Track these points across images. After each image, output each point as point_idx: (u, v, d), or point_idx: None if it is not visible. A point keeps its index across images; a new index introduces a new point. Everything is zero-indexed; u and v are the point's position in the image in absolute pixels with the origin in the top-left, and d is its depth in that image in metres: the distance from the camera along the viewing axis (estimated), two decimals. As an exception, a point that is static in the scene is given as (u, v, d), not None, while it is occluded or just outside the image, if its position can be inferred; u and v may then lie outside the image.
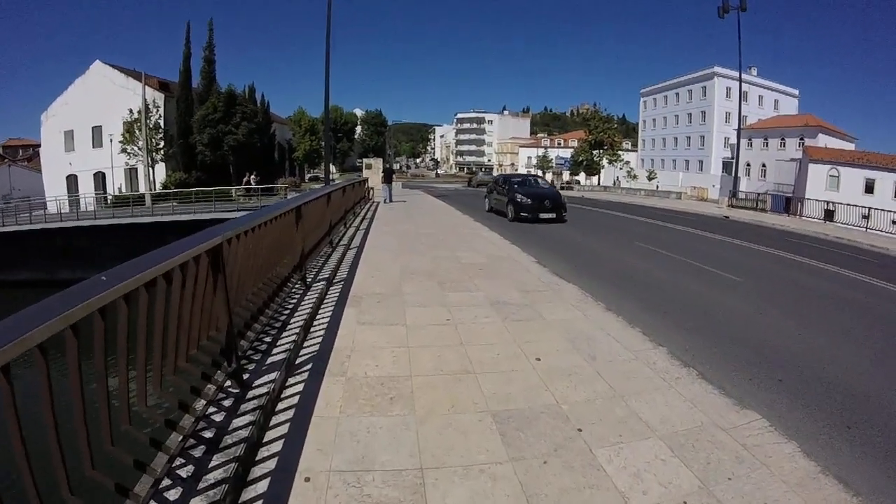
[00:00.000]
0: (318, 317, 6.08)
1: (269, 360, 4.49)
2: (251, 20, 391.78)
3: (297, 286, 6.80)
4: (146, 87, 44.66)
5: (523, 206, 19.23)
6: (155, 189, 42.87)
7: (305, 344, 5.22)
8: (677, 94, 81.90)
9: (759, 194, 38.99)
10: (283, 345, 4.82)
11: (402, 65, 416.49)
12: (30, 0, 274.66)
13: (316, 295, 6.56)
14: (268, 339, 4.94)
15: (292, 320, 5.53)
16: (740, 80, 41.38)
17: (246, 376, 4.11)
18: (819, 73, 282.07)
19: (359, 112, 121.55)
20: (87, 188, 47.06)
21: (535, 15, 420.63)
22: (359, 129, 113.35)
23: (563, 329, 5.99)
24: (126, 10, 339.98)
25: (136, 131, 42.71)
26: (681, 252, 13.48)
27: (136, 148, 42.97)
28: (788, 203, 34.39)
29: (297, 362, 4.81)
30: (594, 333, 5.91)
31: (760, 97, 74.69)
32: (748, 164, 65.90)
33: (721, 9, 37.31)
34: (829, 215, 28.23)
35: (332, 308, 6.47)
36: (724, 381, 5.00)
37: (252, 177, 41.37)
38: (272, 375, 4.17)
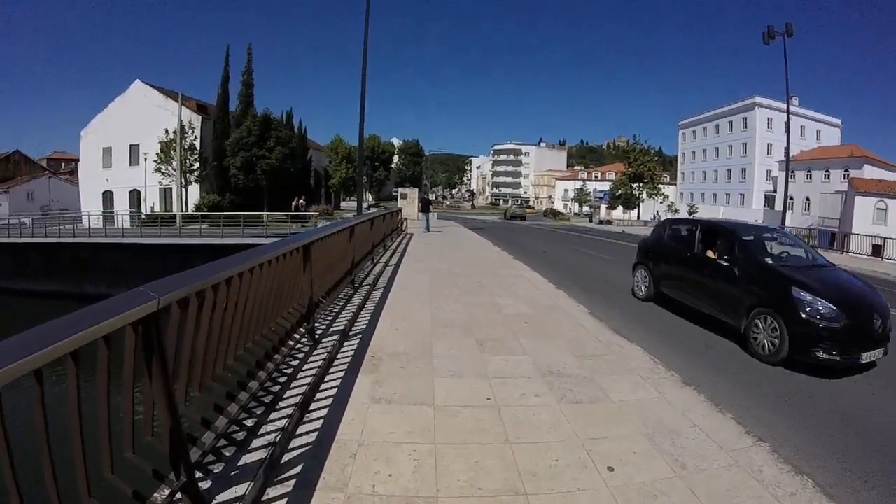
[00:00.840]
0: (322, 386, 4.79)
1: (246, 457, 3.26)
2: (292, 47, 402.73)
3: (303, 340, 5.56)
4: (184, 108, 44.88)
5: (827, 329, 6.67)
6: (187, 210, 42.68)
7: (300, 430, 3.92)
8: (717, 125, 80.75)
9: (810, 229, 36.90)
10: (269, 430, 3.60)
11: (439, 95, 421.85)
12: (82, 17, 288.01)
13: (325, 354, 5.29)
14: (250, 423, 3.68)
15: (287, 393, 4.27)
16: (788, 109, 39.14)
17: (207, 485, 2.92)
18: (861, 103, 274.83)
19: (396, 141, 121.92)
20: (121, 205, 47.72)
21: (572, 46, 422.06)
22: (396, 158, 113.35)
23: (636, 417, 4.58)
24: (172, 32, 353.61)
25: (171, 151, 42.79)
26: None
27: (170, 168, 42.97)
28: (833, 238, 32.87)
29: (283, 460, 3.50)
30: (677, 423, 4.50)
31: (802, 127, 72.77)
32: (791, 198, 63.02)
33: (766, 35, 35.71)
34: (876, 250, 26.59)
35: (342, 374, 5.17)
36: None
37: (301, 201, 40.97)
38: (242, 488, 2.91)
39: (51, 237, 31.13)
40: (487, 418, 4.36)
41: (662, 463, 3.81)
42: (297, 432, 3.88)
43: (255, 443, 3.43)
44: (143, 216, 40.95)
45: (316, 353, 5.34)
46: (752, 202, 70.55)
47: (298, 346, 5.42)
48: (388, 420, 4.24)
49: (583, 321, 7.93)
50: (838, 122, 76.31)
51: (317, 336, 5.79)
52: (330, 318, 6.73)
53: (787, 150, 39.05)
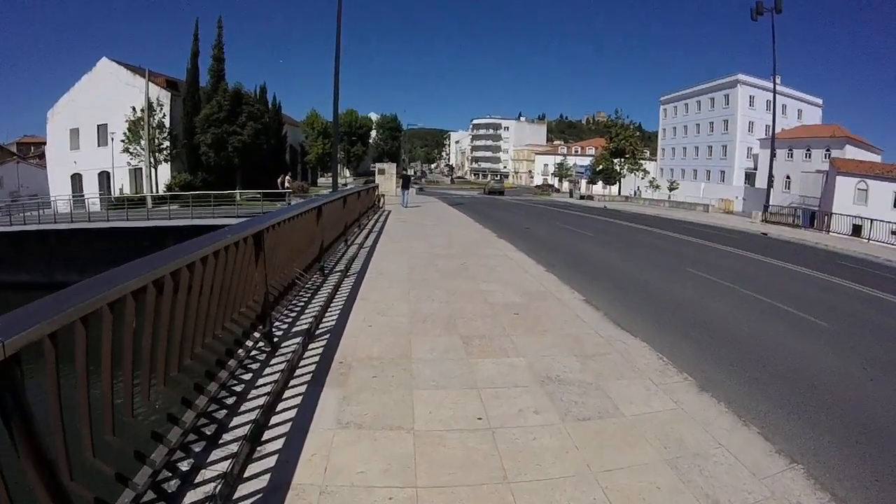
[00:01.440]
0: (279, 406, 3.95)
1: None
2: (266, 21, 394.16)
3: (260, 345, 4.72)
4: (152, 84, 43.16)
5: None
6: (157, 191, 41.25)
7: (248, 471, 3.10)
8: (699, 101, 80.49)
9: (795, 209, 36.72)
10: (208, 477, 2.80)
11: (417, 68, 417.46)
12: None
13: (284, 363, 4.45)
14: (186, 466, 2.86)
15: (235, 420, 3.44)
16: (774, 87, 39.08)
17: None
18: (842, 83, 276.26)
19: (374, 116, 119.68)
20: (91, 188, 46.11)
21: (551, 20, 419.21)
22: (374, 133, 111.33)
23: (654, 437, 3.81)
24: (143, 6, 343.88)
25: (140, 130, 41.10)
26: (741, 282, 11.28)
27: (138, 147, 41.31)
28: (813, 217, 33.22)
29: (223, 523, 2.70)
30: (700, 443, 3.76)
31: (784, 106, 72.52)
32: (771, 176, 63.52)
33: (754, 10, 35.12)
34: (856, 230, 27.57)
35: (303, 387, 4.34)
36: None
37: (287, 178, 39.76)
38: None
39: (16, 225, 29.88)
40: (480, 447, 3.55)
41: (691, 498, 3.07)
42: (245, 475, 3.06)
43: (190, 497, 2.62)
44: (111, 199, 39.39)
45: (274, 361, 4.50)
46: (732, 179, 70.75)
47: (254, 352, 4.59)
48: (358, 453, 3.41)
49: (579, 311, 7.15)
50: (819, 101, 76.63)
51: (275, 339, 4.93)
52: (294, 314, 5.85)
53: (772, 128, 38.80)
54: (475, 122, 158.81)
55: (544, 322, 6.54)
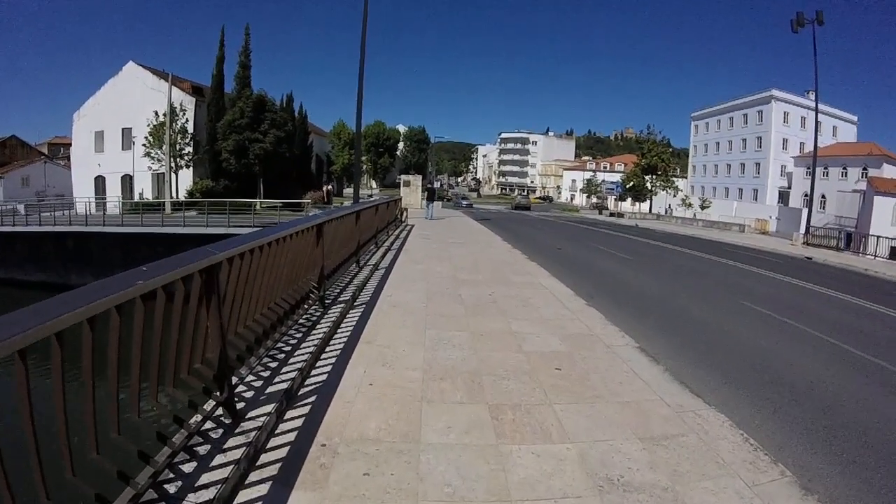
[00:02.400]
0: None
1: None
2: (296, 31, 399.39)
3: (218, 414, 3.46)
4: (177, 90, 42.90)
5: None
6: (178, 196, 40.70)
7: None
8: (731, 118, 78.86)
9: (838, 230, 34.81)
10: None
11: (445, 82, 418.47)
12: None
13: (244, 446, 3.17)
14: None
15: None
16: (816, 104, 37.09)
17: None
18: (877, 99, 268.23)
19: (401, 128, 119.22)
20: (113, 191, 46.28)
21: (580, 36, 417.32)
22: (401, 145, 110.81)
23: None
24: (175, 13, 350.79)
25: (162, 135, 40.69)
26: (808, 321, 9.66)
27: (160, 152, 40.86)
28: (850, 239, 31.83)
29: None
30: None
31: (819, 123, 70.11)
32: (805, 195, 61.61)
33: (795, 22, 33.55)
34: (893, 253, 26.80)
35: (265, 489, 3.02)
36: None
37: (329, 187, 39.12)
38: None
39: (31, 226, 30.26)
40: None
41: None
42: None
43: None
44: (130, 203, 38.91)
45: (231, 442, 3.23)
46: (765, 198, 68.86)
47: (211, 423, 3.33)
48: None
49: (634, 364, 5.73)
50: (854, 118, 74.26)
51: (240, 407, 3.66)
52: (275, 364, 4.56)
53: (814, 145, 37.16)
54: (503, 135, 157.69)
55: (594, 381, 5.14)
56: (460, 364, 5.32)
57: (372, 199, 14.82)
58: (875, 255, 26.16)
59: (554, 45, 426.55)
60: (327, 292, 6.98)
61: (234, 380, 3.93)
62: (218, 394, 3.49)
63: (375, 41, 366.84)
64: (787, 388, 6.15)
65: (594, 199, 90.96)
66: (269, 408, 3.76)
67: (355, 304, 7.37)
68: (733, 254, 22.76)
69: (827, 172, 60.07)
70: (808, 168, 63.01)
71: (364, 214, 10.43)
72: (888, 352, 7.92)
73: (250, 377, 4.23)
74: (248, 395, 3.96)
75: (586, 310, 8.19)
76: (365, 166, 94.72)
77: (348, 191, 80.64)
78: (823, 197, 59.67)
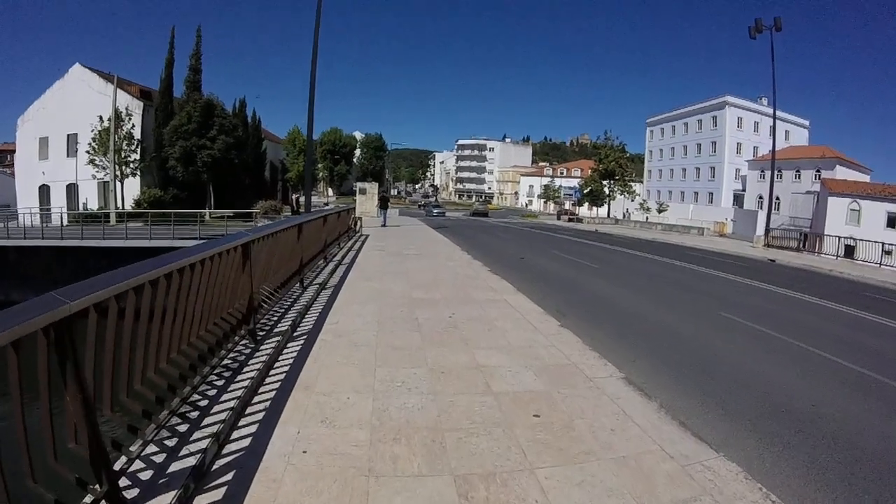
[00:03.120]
0: None
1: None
2: (250, 36, 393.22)
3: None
4: (124, 93, 40.70)
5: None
6: (124, 206, 38.59)
7: None
8: (686, 123, 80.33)
9: (800, 232, 35.16)
10: None
11: (402, 88, 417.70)
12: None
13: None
14: None
15: None
16: (774, 109, 37.88)
17: None
18: (826, 103, 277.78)
19: (358, 135, 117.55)
20: (58, 200, 43.21)
21: (536, 43, 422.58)
22: (358, 151, 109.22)
23: None
24: (127, 15, 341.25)
25: (107, 141, 38.45)
26: (790, 332, 9.09)
27: (104, 160, 38.63)
28: (805, 239, 32.40)
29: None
30: None
31: (771, 128, 71.99)
32: (760, 197, 63.39)
33: (753, 29, 34.00)
34: (849, 251, 27.42)
35: None
36: None
37: (296, 195, 37.77)
38: None
39: None
40: None
41: None
42: None
43: None
44: (73, 214, 36.62)
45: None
46: (720, 200, 70.33)
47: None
48: None
49: (624, 403, 4.82)
50: (806, 123, 76.54)
51: (128, 500, 2.64)
52: (183, 429, 3.53)
53: (773, 148, 37.39)
54: (460, 142, 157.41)
55: (580, 431, 4.20)
56: (418, 416, 4.31)
57: (320, 210, 13.55)
58: (837, 255, 26.66)
59: (510, 52, 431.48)
60: (262, 321, 5.95)
61: (122, 460, 2.90)
62: (97, 487, 2.48)
63: (332, 48, 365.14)
64: (789, 415, 5.42)
65: (554, 206, 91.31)
66: (169, 497, 2.75)
67: (294, 334, 6.30)
68: (698, 258, 22.43)
69: (781, 175, 61.45)
70: (762, 171, 65.05)
71: (308, 227, 9.35)
72: (859, 357, 7.42)
73: (151, 448, 3.19)
74: (146, 475, 2.94)
75: (560, 332, 7.29)
76: (321, 174, 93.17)
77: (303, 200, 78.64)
78: (778, 199, 60.81)
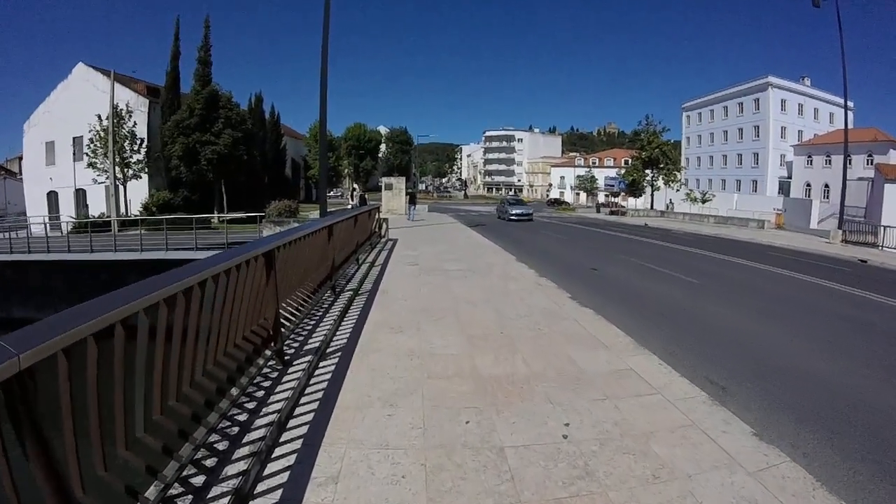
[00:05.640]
0: None
1: None
2: (269, 33, 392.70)
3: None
4: (129, 91, 37.89)
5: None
6: (129, 211, 35.68)
7: None
8: (725, 107, 76.17)
9: (875, 226, 30.56)
10: None
11: (426, 82, 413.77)
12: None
13: None
14: None
15: None
16: (845, 78, 32.04)
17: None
18: (872, 85, 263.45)
19: (383, 129, 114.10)
20: (67, 207, 41.28)
21: (559, 32, 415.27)
22: (383, 146, 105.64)
23: None
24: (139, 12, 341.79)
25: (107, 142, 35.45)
26: None
27: (107, 161, 35.62)
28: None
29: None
30: None
31: (816, 110, 69.98)
32: (808, 185, 59.66)
33: (816, -4, 29.47)
34: None
35: None
36: None
37: (356, 192, 35.54)
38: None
39: None
40: None
41: None
42: None
43: None
44: (77, 221, 33.84)
45: None
46: (765, 189, 66.36)
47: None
48: None
49: None
50: (851, 104, 71.01)
51: None
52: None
53: (845, 126, 32.80)
54: (487, 133, 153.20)
55: None
56: None
57: (332, 216, 9.68)
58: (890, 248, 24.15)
59: (534, 41, 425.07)
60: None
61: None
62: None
63: (354, 42, 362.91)
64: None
65: (588, 197, 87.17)
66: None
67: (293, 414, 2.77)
68: (786, 260, 18.40)
69: (830, 161, 57.51)
70: (809, 157, 60.46)
71: (312, 241, 5.77)
72: None
73: None
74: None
75: (760, 453, 3.56)
76: (346, 170, 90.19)
77: (329, 195, 76.14)
78: (827, 186, 56.86)
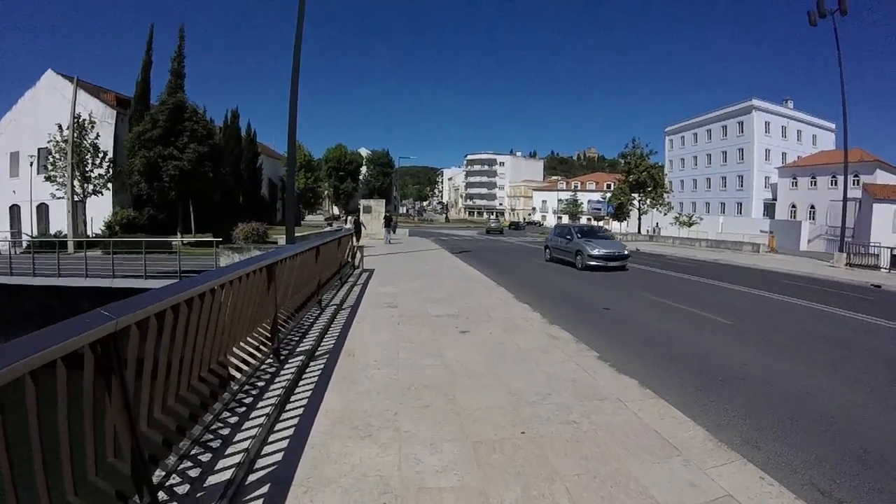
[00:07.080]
0: None
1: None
2: (251, 49, 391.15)
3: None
4: (97, 101, 35.67)
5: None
6: (92, 229, 33.14)
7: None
8: (709, 130, 76.92)
9: (876, 247, 29.34)
10: None
11: (406, 105, 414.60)
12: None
13: None
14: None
15: None
16: (843, 95, 30.43)
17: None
18: (851, 105, 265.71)
19: (364, 151, 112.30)
20: (29, 223, 38.86)
21: (541, 57, 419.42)
22: (364, 168, 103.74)
23: None
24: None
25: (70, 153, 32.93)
26: None
27: (65, 174, 33.11)
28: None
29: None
30: None
31: (799, 132, 71.61)
32: (793, 206, 59.85)
33: (815, 14, 28.43)
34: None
35: None
36: None
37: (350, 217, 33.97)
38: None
39: None
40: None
41: None
42: None
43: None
44: (28, 241, 31.34)
45: None
46: (750, 211, 66.87)
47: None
48: None
49: None
50: (832, 126, 72.20)
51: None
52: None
53: (845, 144, 31.18)
54: (469, 157, 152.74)
55: None
56: None
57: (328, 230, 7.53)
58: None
59: (514, 66, 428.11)
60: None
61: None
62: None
63: (335, 64, 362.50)
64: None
65: (586, 220, 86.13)
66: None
67: None
68: (800, 288, 17.24)
69: (815, 182, 57.68)
70: (794, 178, 59.90)
71: (247, 284, 3.88)
72: None
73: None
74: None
75: None
76: (326, 192, 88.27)
77: (310, 217, 73.97)
78: (813, 207, 56.65)
